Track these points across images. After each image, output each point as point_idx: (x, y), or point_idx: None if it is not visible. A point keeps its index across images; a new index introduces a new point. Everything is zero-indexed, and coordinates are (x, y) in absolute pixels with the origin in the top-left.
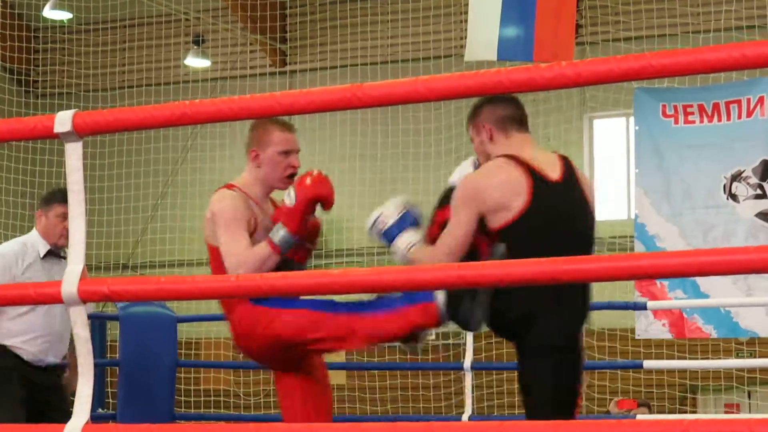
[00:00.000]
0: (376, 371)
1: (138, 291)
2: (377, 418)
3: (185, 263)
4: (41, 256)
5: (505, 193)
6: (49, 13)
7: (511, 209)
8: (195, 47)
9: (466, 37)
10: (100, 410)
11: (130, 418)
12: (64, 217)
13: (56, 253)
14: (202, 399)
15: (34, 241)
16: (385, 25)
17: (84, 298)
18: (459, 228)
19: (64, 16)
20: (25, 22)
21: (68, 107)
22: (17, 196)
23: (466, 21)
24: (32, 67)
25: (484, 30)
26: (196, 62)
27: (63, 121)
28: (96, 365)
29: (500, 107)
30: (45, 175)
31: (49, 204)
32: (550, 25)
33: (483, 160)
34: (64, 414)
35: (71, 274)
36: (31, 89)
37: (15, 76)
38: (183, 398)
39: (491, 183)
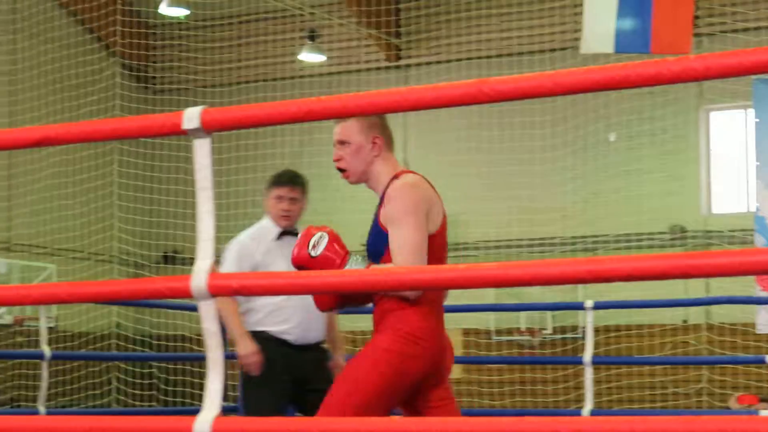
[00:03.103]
0: (494, 365)
1: (266, 285)
2: (497, 412)
3: None
4: (276, 237)
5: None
6: (166, 10)
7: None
8: (309, 42)
9: (581, 30)
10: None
11: (250, 410)
12: (279, 199)
13: (292, 232)
14: None
15: (268, 225)
16: (498, 18)
17: (213, 293)
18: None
19: (180, 12)
20: (142, 19)
21: (184, 103)
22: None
23: (580, 13)
24: (150, 63)
25: (600, 22)
26: (310, 57)
27: (191, 117)
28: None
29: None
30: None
31: (268, 187)
32: (667, 16)
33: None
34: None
35: (200, 270)
36: (148, 85)
37: (133, 72)
38: None
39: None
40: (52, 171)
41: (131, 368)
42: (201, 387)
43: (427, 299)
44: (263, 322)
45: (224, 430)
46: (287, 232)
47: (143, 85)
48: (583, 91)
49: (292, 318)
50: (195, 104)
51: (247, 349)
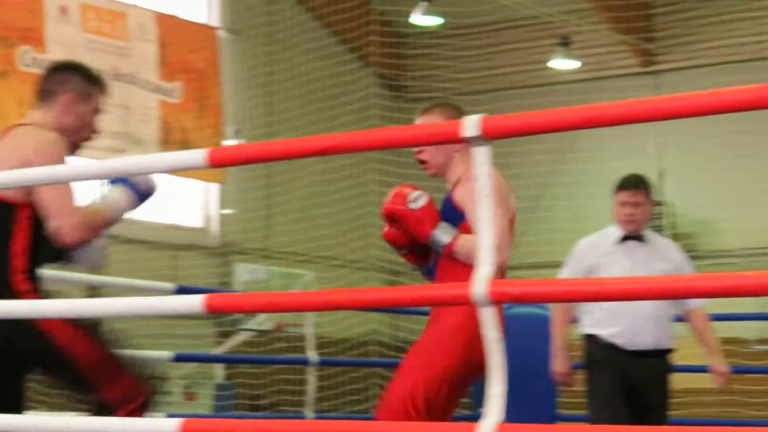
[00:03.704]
0: (755, 375)
1: (549, 293)
2: (759, 423)
3: (560, 265)
4: (617, 241)
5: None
6: (419, 19)
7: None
8: (562, 49)
9: None
10: (480, 410)
11: (513, 417)
12: (623, 204)
13: (637, 237)
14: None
15: (612, 230)
16: (753, 22)
17: (495, 300)
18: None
19: (433, 21)
20: (395, 29)
21: None
22: None
23: None
24: (403, 72)
25: None
26: (562, 64)
27: (471, 125)
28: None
29: None
30: None
31: (613, 193)
32: None
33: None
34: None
35: (482, 276)
36: (402, 94)
37: (386, 81)
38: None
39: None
40: (310, 180)
41: (390, 375)
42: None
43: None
44: (596, 325)
45: None
46: (631, 236)
47: (397, 94)
48: None
49: (621, 321)
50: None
51: (556, 366)
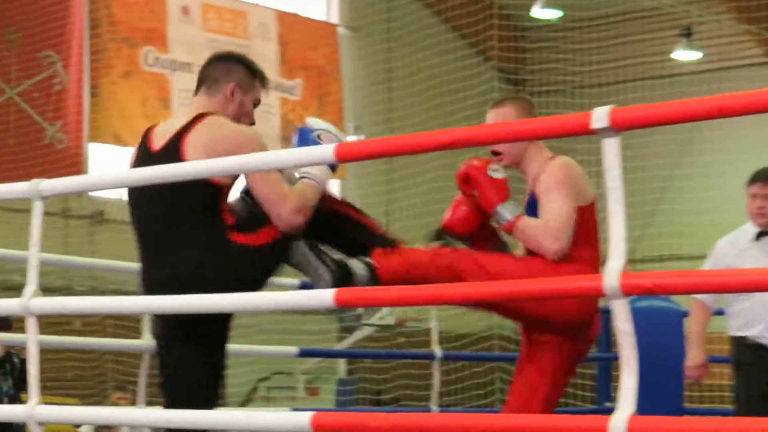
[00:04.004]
0: None
1: (681, 284)
2: None
3: (684, 257)
4: (753, 238)
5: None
6: (539, 12)
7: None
8: (684, 40)
9: None
10: (606, 404)
11: (641, 411)
12: (753, 197)
13: None
14: (706, 394)
15: (747, 226)
16: None
17: (626, 292)
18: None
19: (553, 14)
20: (514, 22)
21: (557, 104)
22: None
23: None
24: (522, 66)
25: None
26: (685, 55)
27: (600, 117)
28: (603, 359)
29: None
30: None
31: (746, 184)
32: None
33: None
34: None
35: (613, 269)
36: (522, 87)
37: (506, 75)
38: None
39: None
40: (431, 175)
41: (513, 369)
42: (591, 388)
43: (581, 258)
44: (744, 327)
45: (640, 429)
46: (766, 232)
47: (518, 87)
48: None
49: (764, 319)
50: (569, 105)
51: (690, 359)
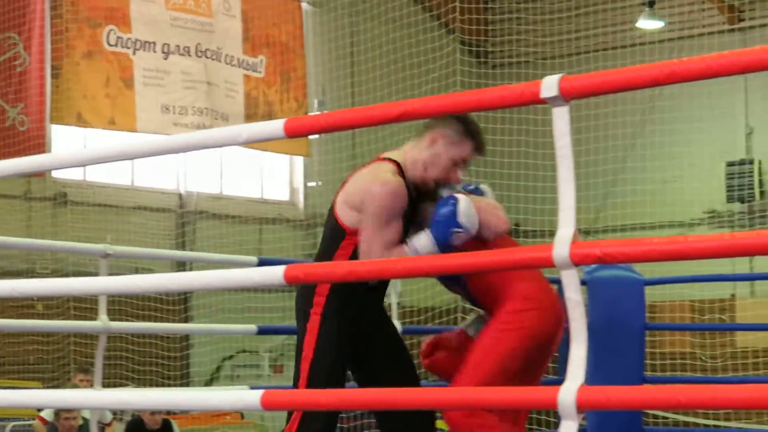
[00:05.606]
0: None
1: (631, 253)
2: None
3: (647, 227)
4: None
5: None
6: None
7: None
8: (647, 9)
9: None
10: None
11: (600, 381)
12: None
13: None
14: (668, 362)
15: None
16: None
17: (576, 262)
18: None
19: None
20: None
21: (521, 76)
22: None
23: None
24: (486, 38)
25: None
26: (649, 24)
27: (549, 86)
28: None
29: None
30: None
31: None
32: None
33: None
34: None
35: (562, 238)
36: (486, 60)
37: (470, 48)
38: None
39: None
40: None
41: None
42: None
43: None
44: None
45: (589, 400)
46: None
47: (480, 60)
48: None
49: None
50: (533, 77)
51: None
